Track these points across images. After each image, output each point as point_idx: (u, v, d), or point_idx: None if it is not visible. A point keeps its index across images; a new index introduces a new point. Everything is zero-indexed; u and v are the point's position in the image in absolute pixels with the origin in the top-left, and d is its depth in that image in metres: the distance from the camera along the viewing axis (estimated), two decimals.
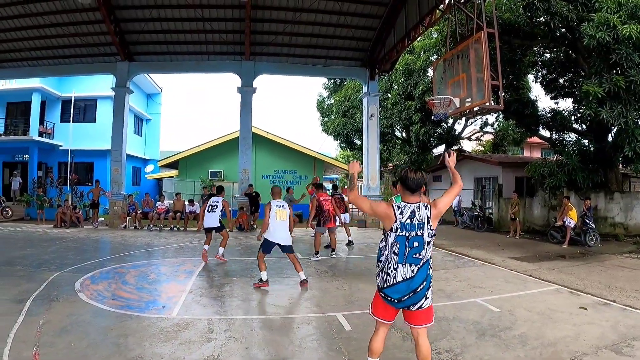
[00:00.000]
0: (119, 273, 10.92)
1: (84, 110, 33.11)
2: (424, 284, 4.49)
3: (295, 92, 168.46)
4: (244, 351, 5.98)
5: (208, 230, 12.73)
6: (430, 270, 4.58)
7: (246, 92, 23.28)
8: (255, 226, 21.20)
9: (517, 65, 21.25)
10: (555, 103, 23.40)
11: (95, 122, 32.65)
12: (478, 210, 22.89)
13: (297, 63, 24.26)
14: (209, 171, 30.47)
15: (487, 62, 13.37)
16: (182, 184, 29.91)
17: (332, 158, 38.84)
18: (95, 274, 10.59)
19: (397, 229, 4.47)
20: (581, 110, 17.58)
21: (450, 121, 31.88)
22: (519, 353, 5.80)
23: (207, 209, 12.75)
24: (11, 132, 32.14)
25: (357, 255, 14.07)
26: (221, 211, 12.80)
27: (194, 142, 74.17)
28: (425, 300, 4.54)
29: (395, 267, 4.49)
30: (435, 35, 28.30)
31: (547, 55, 22.47)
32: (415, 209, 4.51)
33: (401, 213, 4.51)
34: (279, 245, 9.38)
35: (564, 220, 16.74)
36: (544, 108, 22.58)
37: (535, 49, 22.04)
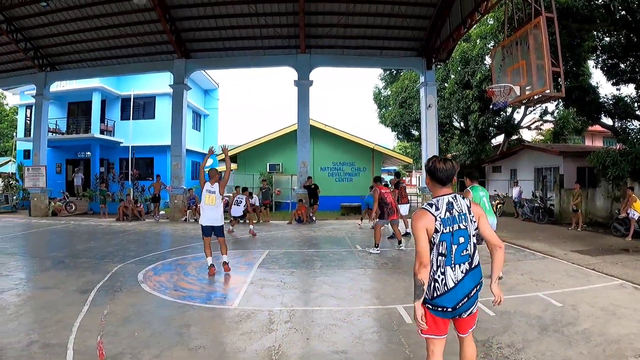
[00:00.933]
0: (180, 265, 11.11)
1: (143, 107, 33.77)
2: (478, 286, 4.00)
3: (352, 84, 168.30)
4: (304, 342, 5.99)
5: (234, 219, 17.68)
6: (481, 269, 4.05)
7: (303, 85, 23.30)
8: (314, 218, 21.26)
9: (576, 51, 20.74)
10: (617, 89, 22.83)
11: (154, 118, 33.26)
12: (539, 202, 22.37)
13: (353, 55, 24.14)
14: (268, 164, 30.56)
15: (547, 48, 13.08)
16: (241, 177, 30.09)
17: (390, 149, 38.53)
18: (158, 265, 10.78)
19: (440, 226, 3.85)
20: None
21: (509, 110, 31.36)
22: (582, 349, 5.62)
23: (234, 202, 17.46)
24: (73, 130, 33.07)
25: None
26: (244, 205, 17.41)
27: (252, 135, 74.97)
28: (477, 304, 4.11)
29: (443, 271, 3.89)
30: (491, 22, 27.83)
31: (607, 39, 21.86)
32: (452, 200, 3.97)
33: (437, 208, 3.91)
34: (212, 227, 9.96)
35: (628, 212, 16.14)
36: (605, 95, 22.07)
37: (595, 33, 21.43)
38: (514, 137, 35.47)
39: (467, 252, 3.92)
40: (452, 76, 31.90)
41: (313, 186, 21.76)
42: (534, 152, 28.09)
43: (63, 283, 9.05)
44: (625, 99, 21.11)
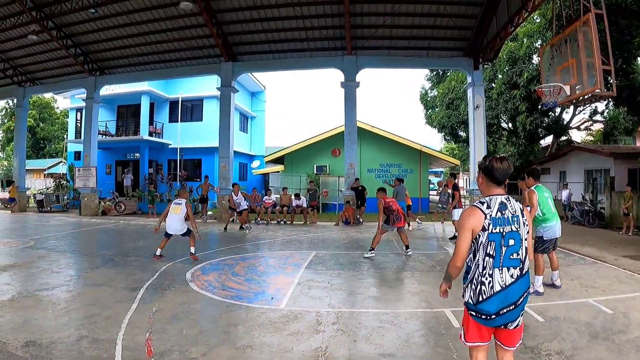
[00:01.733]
0: (228, 264, 11.19)
1: (190, 110, 34.30)
2: (525, 294, 3.79)
3: (398, 85, 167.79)
4: (351, 344, 5.97)
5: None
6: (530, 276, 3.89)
7: (349, 86, 23.24)
8: (361, 220, 21.22)
9: (625, 48, 20.31)
10: None
11: (202, 120, 33.76)
12: (589, 205, 21.94)
13: (399, 55, 23.92)
14: (315, 166, 30.62)
15: (597, 46, 12.81)
16: (288, 178, 30.25)
17: (437, 151, 38.28)
18: (206, 265, 10.89)
19: (489, 225, 3.69)
20: None
21: (558, 110, 30.90)
22: (633, 359, 5.47)
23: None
24: (123, 132, 33.78)
25: None
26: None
27: (299, 137, 75.13)
28: (523, 315, 3.88)
29: (490, 272, 3.71)
30: (538, 20, 27.46)
31: None
32: (505, 201, 3.82)
33: (488, 207, 3.76)
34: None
35: None
36: None
37: None
38: (563, 138, 34.97)
39: (518, 256, 3.75)
40: (500, 76, 31.59)
41: (360, 188, 21.68)
42: (583, 154, 27.58)
43: (112, 280, 9.23)
44: None
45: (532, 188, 8.66)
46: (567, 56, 14.25)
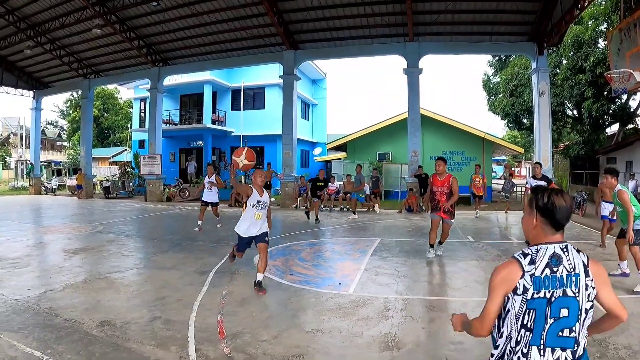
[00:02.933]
0: (294, 250, 11.31)
1: (252, 98, 34.67)
2: None
3: (460, 71, 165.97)
4: (420, 331, 5.97)
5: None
6: None
7: (412, 73, 23.06)
8: (424, 207, 21.09)
9: None
10: None
11: (264, 108, 34.16)
12: None
13: (461, 41, 23.64)
14: (377, 153, 30.51)
15: None
16: (350, 165, 30.25)
17: (499, 138, 37.72)
18: (272, 250, 10.97)
19: (525, 288, 2.53)
20: None
21: (625, 97, 30.03)
22: None
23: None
24: (186, 121, 34.40)
25: None
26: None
27: (361, 124, 75.08)
28: None
29: (526, 352, 2.56)
30: (603, 2, 26.72)
31: None
32: (561, 252, 2.57)
33: (532, 261, 2.56)
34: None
35: None
36: None
37: None
38: (630, 126, 33.96)
39: (572, 334, 2.54)
40: (564, 61, 30.82)
41: (424, 175, 21.54)
42: None
43: (182, 264, 9.47)
44: None
45: (621, 188, 8.29)
46: (636, 41, 13.86)
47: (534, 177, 12.89)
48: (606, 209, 12.03)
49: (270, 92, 33.94)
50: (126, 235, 13.54)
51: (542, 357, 2.51)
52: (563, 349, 2.52)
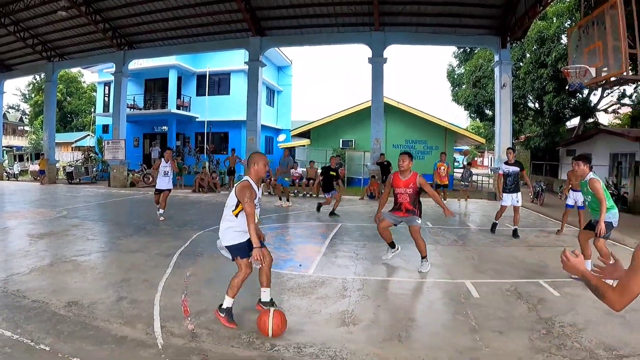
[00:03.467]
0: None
1: (218, 84, 34.50)
2: None
3: (425, 61, 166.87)
4: (376, 308, 6.27)
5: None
6: None
7: (377, 62, 23.27)
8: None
9: None
10: None
11: (229, 94, 34.03)
12: (612, 189, 21.80)
13: (427, 32, 23.84)
14: (341, 140, 30.78)
15: (623, 30, 12.80)
16: (314, 152, 30.48)
17: (462, 129, 38.19)
18: None
19: None
20: None
21: (586, 92, 30.64)
22: None
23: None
24: (150, 106, 34.18)
25: (486, 227, 13.87)
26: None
27: (325, 111, 75.09)
28: None
29: None
30: (567, 0, 27.25)
31: None
32: None
33: None
34: None
35: None
36: None
37: None
38: (590, 120, 34.67)
39: None
40: (528, 55, 31.36)
41: (386, 163, 21.87)
42: (609, 137, 27.36)
43: (146, 247, 9.57)
44: None
45: (593, 177, 7.81)
46: (594, 38, 14.24)
47: (506, 162, 12.67)
48: (571, 198, 12.38)
49: (235, 78, 33.84)
50: (91, 220, 13.52)
51: None
52: None
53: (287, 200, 18.14)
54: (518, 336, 5.44)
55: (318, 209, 16.07)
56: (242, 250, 5.80)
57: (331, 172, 16.03)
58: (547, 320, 5.93)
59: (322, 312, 6.04)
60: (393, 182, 8.52)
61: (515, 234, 11.97)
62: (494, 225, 12.68)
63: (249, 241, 5.61)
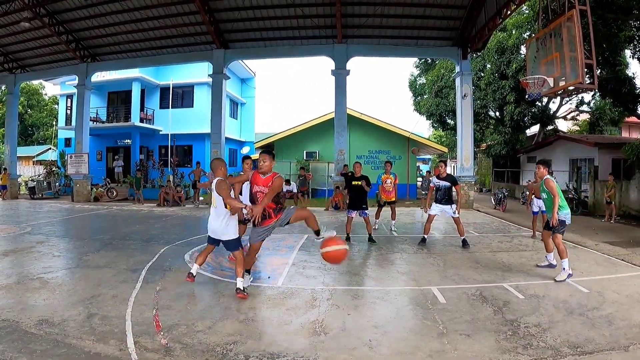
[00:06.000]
0: (223, 247, 11.49)
1: (181, 96, 34.40)
2: None
3: (388, 71, 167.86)
4: (346, 317, 6.40)
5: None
6: None
7: (340, 74, 23.50)
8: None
9: (612, 41, 20.58)
10: None
11: (192, 107, 33.88)
12: (573, 193, 22.22)
13: (389, 44, 24.18)
14: (305, 152, 30.87)
15: (580, 41, 13.16)
16: (278, 164, 30.53)
17: (425, 138, 38.58)
18: (202, 247, 11.18)
19: None
20: None
21: (545, 100, 31.24)
22: (604, 332, 5.85)
23: None
24: (113, 119, 33.83)
25: (450, 235, 14.12)
26: None
27: (289, 123, 75.11)
28: None
29: None
30: (527, 12, 27.80)
31: None
32: None
33: None
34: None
35: None
36: None
37: (632, 22, 21.23)
38: (550, 127, 35.33)
39: None
40: (488, 66, 31.88)
41: (350, 174, 21.94)
42: (569, 143, 27.99)
43: (114, 262, 9.56)
44: None
45: (548, 177, 8.96)
46: (551, 50, 14.62)
47: (437, 176, 12.23)
48: (536, 205, 12.80)
49: (199, 91, 33.71)
50: (56, 236, 13.38)
51: None
52: None
53: None
54: (485, 338, 5.65)
55: (347, 238, 12.32)
56: (240, 242, 7.53)
57: (354, 183, 12.70)
58: (513, 322, 6.18)
59: (293, 323, 6.16)
60: (253, 179, 7.81)
61: (464, 244, 12.03)
62: (424, 239, 12.41)
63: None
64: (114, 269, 9.01)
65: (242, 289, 7.20)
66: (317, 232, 7.99)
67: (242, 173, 12.81)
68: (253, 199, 7.95)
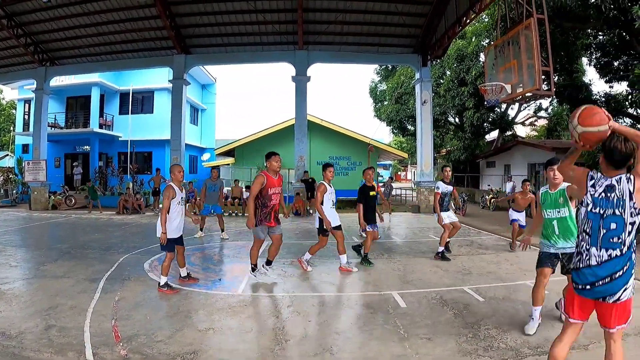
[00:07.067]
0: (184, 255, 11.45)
1: (141, 102, 34.11)
2: (623, 270, 3.68)
3: (349, 78, 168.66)
4: (306, 323, 6.44)
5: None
6: (634, 256, 3.72)
7: (300, 80, 23.61)
8: (311, 211, 21.61)
9: (570, 49, 21.02)
10: (610, 87, 23.07)
11: (152, 113, 33.67)
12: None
13: (350, 51, 24.46)
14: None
15: (537, 49, 13.40)
16: (238, 171, 30.53)
17: (385, 144, 38.92)
18: (162, 255, 11.04)
19: (587, 204, 3.83)
20: (635, 94, 17.27)
21: (504, 106, 31.72)
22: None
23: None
24: (72, 124, 33.34)
25: (411, 240, 14.25)
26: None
27: (250, 130, 75.15)
28: (624, 291, 3.70)
29: (588, 248, 3.82)
30: (486, 20, 28.22)
31: (601, 37, 22.06)
32: (615, 183, 3.73)
33: (593, 185, 3.84)
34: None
35: None
36: (598, 92, 22.29)
37: (589, 31, 21.68)
38: (508, 132, 35.88)
39: (619, 240, 3.69)
40: (448, 73, 32.31)
41: (310, 180, 22.09)
42: (527, 148, 28.52)
43: (72, 272, 9.40)
44: (617, 96, 21.32)
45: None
46: (509, 57, 14.88)
47: (442, 180, 11.60)
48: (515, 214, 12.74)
49: (159, 96, 33.51)
50: (13, 246, 13.11)
51: (598, 252, 3.75)
52: (613, 249, 3.70)
53: (223, 229, 14.88)
54: (446, 341, 5.73)
55: (365, 259, 10.64)
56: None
57: (372, 193, 10.88)
58: (473, 324, 6.29)
59: (253, 331, 6.18)
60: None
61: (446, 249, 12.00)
62: (443, 252, 11.13)
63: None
64: (72, 278, 8.87)
65: (161, 284, 7.96)
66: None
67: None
68: (267, 201, 8.42)
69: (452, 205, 12.30)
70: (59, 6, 22.10)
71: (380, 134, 55.10)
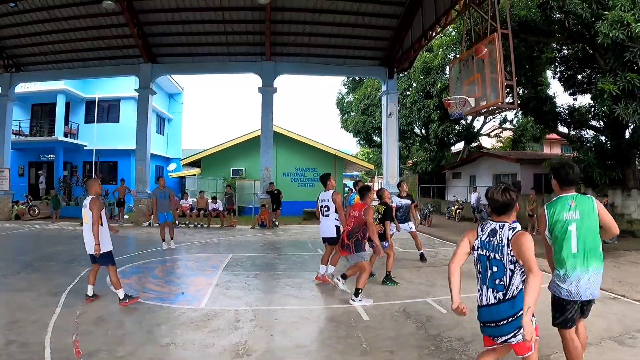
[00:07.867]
0: (147, 268, 11.44)
1: (107, 110, 33.69)
2: (508, 321, 3.98)
3: (315, 89, 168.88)
4: (269, 338, 6.48)
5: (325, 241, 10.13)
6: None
7: (267, 91, 23.68)
8: (277, 223, 21.66)
9: (534, 62, 21.32)
10: (574, 99, 23.37)
11: (118, 122, 33.22)
12: None
13: (317, 63, 24.63)
14: (231, 169, 30.93)
15: (500, 64, 13.59)
16: (204, 182, 30.40)
17: (352, 155, 39.14)
18: (125, 269, 11.06)
19: (477, 247, 4.16)
20: (597, 107, 17.58)
21: (469, 118, 32.07)
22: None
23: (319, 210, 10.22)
24: (37, 132, 32.79)
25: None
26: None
27: (216, 140, 74.85)
28: (514, 336, 3.97)
29: (479, 288, 4.32)
30: (453, 33, 28.54)
31: (565, 51, 22.38)
32: (498, 229, 4.02)
33: (482, 229, 4.15)
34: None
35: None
36: (562, 104, 22.61)
37: (554, 45, 22.03)
38: (474, 144, 36.32)
39: (501, 282, 4.06)
40: (414, 85, 32.61)
41: (276, 191, 22.16)
42: (492, 159, 28.92)
43: (34, 286, 9.30)
44: (580, 109, 21.65)
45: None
46: (473, 71, 15.04)
47: (398, 195, 12.66)
48: None
49: (125, 105, 33.09)
50: None
51: (487, 293, 4.16)
52: (497, 291, 4.04)
53: (172, 238, 15.04)
54: (408, 354, 5.82)
55: (388, 277, 10.09)
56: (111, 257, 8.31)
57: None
58: (436, 337, 6.40)
59: (215, 345, 6.15)
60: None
61: (422, 257, 12.44)
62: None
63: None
64: (34, 292, 8.79)
65: (122, 298, 7.96)
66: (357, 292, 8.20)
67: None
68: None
69: (418, 217, 12.57)
70: (25, 11, 21.79)
71: (348, 144, 55.34)
